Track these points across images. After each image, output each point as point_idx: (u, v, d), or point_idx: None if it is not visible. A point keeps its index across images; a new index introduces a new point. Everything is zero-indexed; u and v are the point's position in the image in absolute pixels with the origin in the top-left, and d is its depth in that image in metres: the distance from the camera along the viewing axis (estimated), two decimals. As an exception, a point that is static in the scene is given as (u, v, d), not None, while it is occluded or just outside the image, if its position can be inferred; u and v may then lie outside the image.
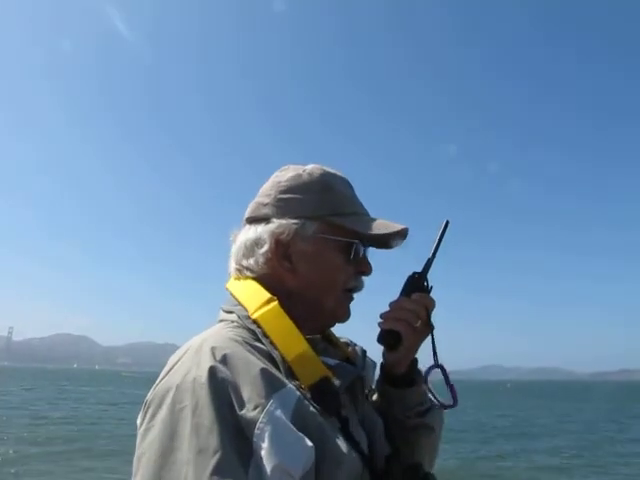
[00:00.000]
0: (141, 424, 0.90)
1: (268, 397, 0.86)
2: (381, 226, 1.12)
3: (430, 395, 1.18)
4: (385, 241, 1.15)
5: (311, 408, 0.91)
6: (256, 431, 0.83)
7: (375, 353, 1.23)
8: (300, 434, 0.85)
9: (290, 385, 0.91)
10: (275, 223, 1.09)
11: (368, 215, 1.17)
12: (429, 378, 1.20)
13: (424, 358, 1.20)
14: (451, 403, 1.17)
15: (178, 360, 0.95)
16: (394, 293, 1.16)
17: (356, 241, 1.11)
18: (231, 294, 1.10)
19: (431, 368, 1.18)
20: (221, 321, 1.08)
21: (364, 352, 1.22)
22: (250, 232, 1.12)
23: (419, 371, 1.19)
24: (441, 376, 1.20)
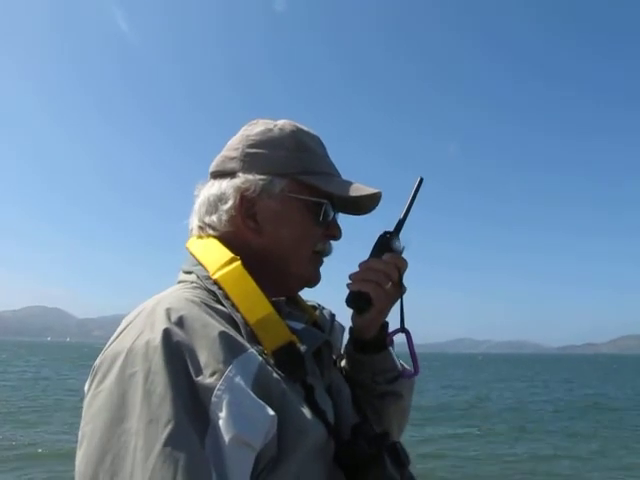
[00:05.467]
0: (88, 391, 0.82)
1: (227, 362, 0.78)
2: (353, 188, 1.04)
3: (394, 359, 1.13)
4: (356, 205, 1.08)
5: (274, 375, 0.84)
6: (213, 399, 0.75)
7: (346, 318, 1.15)
8: (261, 402, 0.78)
9: (252, 350, 0.83)
10: (241, 178, 1.01)
11: (340, 176, 1.09)
12: (394, 346, 1.15)
13: (393, 324, 1.12)
14: (412, 371, 1.13)
15: (130, 322, 0.87)
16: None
17: (326, 201, 1.04)
18: (191, 253, 1.02)
19: (396, 331, 1.13)
20: (180, 282, 1.00)
21: (332, 316, 1.16)
22: (214, 187, 1.03)
23: (390, 337, 1.14)
24: (406, 348, 1.16)
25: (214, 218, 1.02)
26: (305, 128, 1.09)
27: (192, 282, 0.97)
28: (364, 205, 1.09)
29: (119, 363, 0.79)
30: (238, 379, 0.78)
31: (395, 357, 1.14)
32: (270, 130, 1.05)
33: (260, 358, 0.84)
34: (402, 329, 1.11)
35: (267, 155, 1.03)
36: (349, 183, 1.06)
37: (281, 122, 1.08)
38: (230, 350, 0.81)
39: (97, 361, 0.84)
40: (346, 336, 1.17)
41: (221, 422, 0.74)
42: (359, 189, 1.04)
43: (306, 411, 0.85)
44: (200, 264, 0.98)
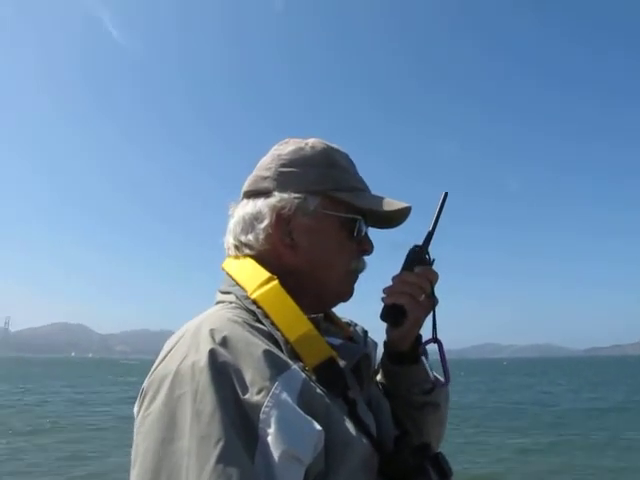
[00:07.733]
0: (137, 413, 0.85)
1: (273, 380, 0.81)
2: (386, 203, 1.07)
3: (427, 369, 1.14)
4: (388, 219, 1.10)
5: (318, 390, 0.86)
6: (262, 416, 0.77)
7: (376, 334, 1.20)
8: (308, 417, 0.80)
9: (295, 366, 0.86)
10: (276, 197, 1.03)
11: (370, 192, 1.12)
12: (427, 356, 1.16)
13: (424, 335, 1.16)
14: (443, 381, 1.14)
15: (175, 344, 0.89)
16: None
17: (359, 217, 1.06)
18: (228, 274, 1.04)
19: (428, 341, 1.14)
20: (218, 303, 1.02)
21: (365, 332, 1.18)
22: (249, 206, 1.06)
23: (424, 347, 1.15)
24: (437, 357, 1.17)
25: (250, 237, 1.04)
26: (335, 146, 1.12)
27: (231, 302, 0.99)
28: (395, 219, 1.11)
29: (167, 385, 0.82)
30: (284, 395, 0.80)
31: (429, 368, 1.15)
32: (302, 149, 1.08)
33: (303, 374, 0.86)
34: (435, 339, 1.13)
35: (300, 173, 1.05)
36: (380, 198, 1.09)
37: (311, 140, 1.11)
38: (274, 367, 0.83)
39: (145, 383, 0.87)
40: (380, 351, 1.18)
41: (270, 438, 0.76)
42: (391, 204, 1.07)
43: (350, 425, 0.86)
44: (238, 284, 1.00)
